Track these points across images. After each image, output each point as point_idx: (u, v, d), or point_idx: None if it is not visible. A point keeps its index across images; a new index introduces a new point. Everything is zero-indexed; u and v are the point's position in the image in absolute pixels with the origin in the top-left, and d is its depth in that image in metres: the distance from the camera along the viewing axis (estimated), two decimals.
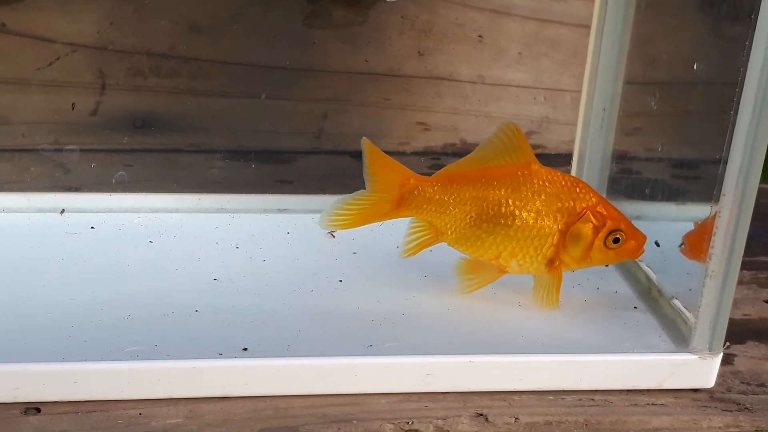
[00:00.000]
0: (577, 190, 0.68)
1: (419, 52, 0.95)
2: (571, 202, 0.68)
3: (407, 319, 0.68)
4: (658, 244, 0.77)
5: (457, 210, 0.69)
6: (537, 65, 0.96)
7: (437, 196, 0.69)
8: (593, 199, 0.68)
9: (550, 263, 0.69)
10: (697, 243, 0.69)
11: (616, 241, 0.68)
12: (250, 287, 0.71)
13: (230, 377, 0.59)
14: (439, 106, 0.98)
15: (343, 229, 0.71)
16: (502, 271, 0.70)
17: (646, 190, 0.78)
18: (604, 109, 0.82)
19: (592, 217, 0.68)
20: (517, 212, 0.68)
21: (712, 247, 0.60)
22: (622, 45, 0.80)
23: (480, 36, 0.95)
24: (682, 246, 0.72)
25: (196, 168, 0.94)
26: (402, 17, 0.93)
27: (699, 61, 0.70)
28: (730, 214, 0.59)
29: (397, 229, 0.80)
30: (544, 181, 0.68)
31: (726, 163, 0.58)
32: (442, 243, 0.71)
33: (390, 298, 0.71)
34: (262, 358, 0.61)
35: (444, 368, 0.62)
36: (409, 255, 0.72)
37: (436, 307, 0.70)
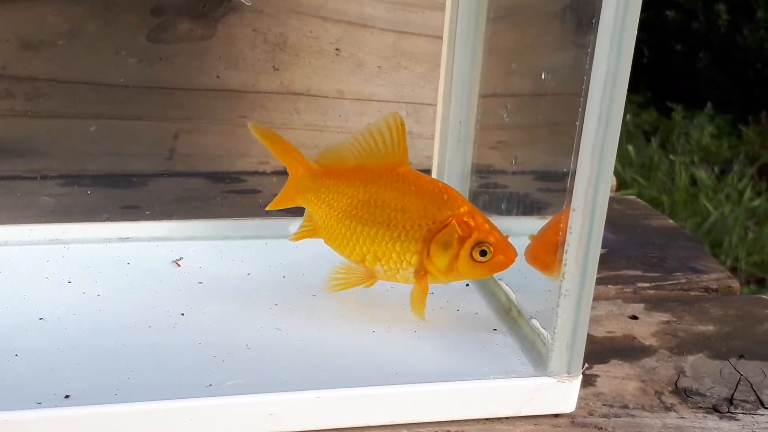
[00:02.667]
0: (445, 197, 0.65)
1: (274, 66, 0.91)
2: (436, 209, 0.65)
3: (253, 352, 0.63)
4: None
5: (326, 204, 0.68)
6: (397, 78, 0.93)
7: (313, 185, 0.69)
8: (461, 209, 0.65)
9: (417, 273, 0.66)
10: (539, 255, 0.68)
11: (483, 254, 0.64)
12: (80, 325, 0.65)
13: (48, 430, 0.53)
14: (298, 123, 0.94)
15: (277, 208, 0.72)
16: (371, 276, 0.67)
17: (502, 205, 0.75)
18: (460, 122, 0.80)
19: (457, 227, 0.64)
20: (378, 213, 0.65)
21: (565, 264, 0.57)
22: (474, 56, 0.78)
23: (337, 49, 0.91)
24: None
25: (34, 196, 0.86)
26: (254, 30, 0.89)
27: (548, 71, 0.67)
28: (581, 229, 0.56)
29: (247, 255, 0.76)
30: (410, 185, 0.65)
31: (574, 176, 0.55)
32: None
33: (236, 330, 0.66)
34: (83, 406, 0.55)
35: (288, 406, 0.57)
36: (292, 239, 0.72)
37: (285, 338, 0.66)
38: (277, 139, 0.70)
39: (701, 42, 3.35)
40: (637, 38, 0.52)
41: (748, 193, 2.58)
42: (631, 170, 2.78)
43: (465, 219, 0.65)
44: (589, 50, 0.53)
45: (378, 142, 0.65)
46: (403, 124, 0.65)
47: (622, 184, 2.63)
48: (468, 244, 0.64)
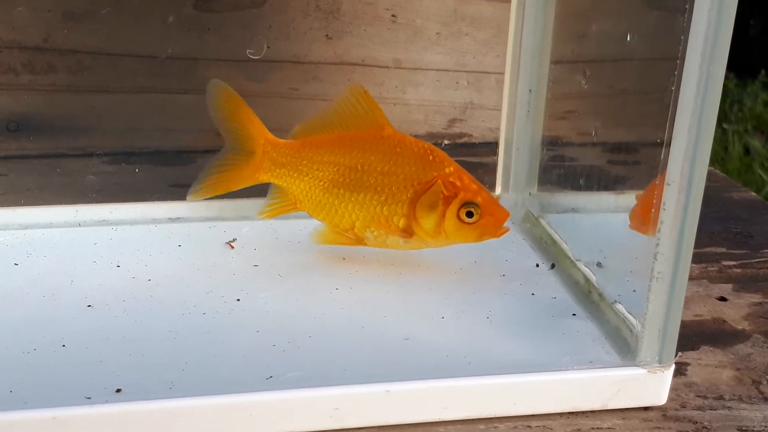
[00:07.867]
0: (431, 158, 0.65)
1: (327, 35, 0.86)
2: (421, 170, 0.65)
3: (315, 341, 0.59)
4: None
5: (310, 176, 0.67)
6: (458, 46, 0.88)
7: (289, 160, 0.67)
8: (447, 169, 0.65)
9: (405, 234, 0.66)
10: (644, 214, 0.62)
11: (470, 215, 0.64)
12: (130, 313, 0.62)
13: (98, 426, 0.50)
14: None
15: (207, 196, 0.70)
16: (361, 242, 0.67)
17: (581, 180, 0.70)
18: (530, 91, 0.75)
19: (442, 187, 0.64)
20: (365, 178, 0.65)
21: (657, 244, 0.52)
22: (546, 19, 0.73)
23: (393, 15, 0.86)
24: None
25: (79, 175, 0.83)
26: None
27: (633, 33, 0.61)
28: (676, 206, 0.51)
29: (304, 235, 0.72)
30: (394, 147, 0.65)
31: (669, 146, 0.50)
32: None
33: (295, 317, 0.62)
34: (137, 402, 0.51)
35: (356, 400, 0.53)
36: (265, 217, 0.70)
37: (348, 326, 0.61)
38: (244, 109, 0.67)
39: (753, 8, 3.24)
40: None
41: None
42: None
43: (451, 179, 0.64)
44: (687, 5, 0.48)
45: (350, 113, 0.65)
46: (366, 91, 0.65)
47: None
48: (454, 205, 0.64)
